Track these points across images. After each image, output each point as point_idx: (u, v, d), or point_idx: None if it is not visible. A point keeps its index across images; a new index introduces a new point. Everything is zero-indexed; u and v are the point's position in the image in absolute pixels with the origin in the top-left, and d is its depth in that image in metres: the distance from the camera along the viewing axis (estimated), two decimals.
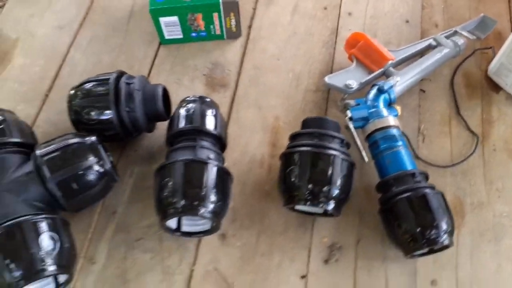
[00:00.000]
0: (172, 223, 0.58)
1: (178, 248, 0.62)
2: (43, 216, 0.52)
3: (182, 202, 0.53)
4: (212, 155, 0.59)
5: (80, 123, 0.62)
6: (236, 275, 0.60)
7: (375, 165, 0.63)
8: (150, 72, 0.77)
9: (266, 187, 0.66)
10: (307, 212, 0.62)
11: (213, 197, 0.54)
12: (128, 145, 0.69)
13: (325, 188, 0.55)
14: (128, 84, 0.62)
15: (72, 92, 0.62)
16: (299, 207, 0.61)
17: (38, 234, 0.50)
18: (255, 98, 0.74)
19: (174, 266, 0.60)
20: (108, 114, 0.60)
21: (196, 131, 0.60)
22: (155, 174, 0.58)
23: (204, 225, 0.59)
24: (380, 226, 0.61)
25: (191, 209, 0.54)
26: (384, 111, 0.65)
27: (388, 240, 0.60)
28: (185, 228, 0.59)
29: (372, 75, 0.70)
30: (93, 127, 0.61)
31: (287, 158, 0.59)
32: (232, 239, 0.62)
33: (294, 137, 0.62)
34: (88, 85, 0.62)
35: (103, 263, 0.61)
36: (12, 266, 0.48)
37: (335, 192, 0.56)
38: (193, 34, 0.77)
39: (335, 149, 0.58)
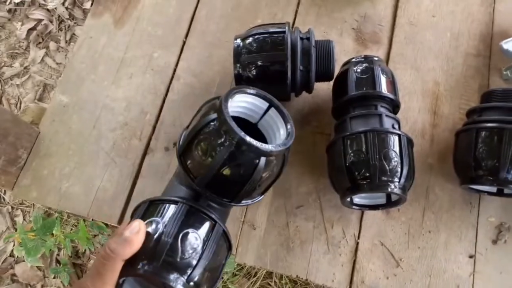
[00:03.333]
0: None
1: (340, 219, 0.59)
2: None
3: (373, 178, 0.49)
4: (396, 124, 0.54)
5: (246, 79, 0.56)
6: (403, 250, 0.57)
7: None
8: (294, 22, 0.69)
9: (429, 160, 0.62)
10: (479, 190, 0.59)
11: (403, 171, 0.50)
12: None
13: None
14: (303, 39, 0.55)
15: (239, 43, 0.55)
16: (479, 186, 0.57)
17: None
18: (412, 58, 0.67)
19: (338, 237, 0.58)
20: (281, 73, 0.54)
21: (377, 97, 0.54)
22: (336, 142, 0.53)
23: (379, 198, 0.55)
24: None
25: (382, 186, 0.50)
26: None
27: None
28: (356, 200, 0.56)
29: None
30: (260, 85, 0.55)
31: (476, 134, 0.54)
32: (396, 213, 0.59)
33: (478, 111, 0.56)
34: (259, 37, 0.55)
35: (265, 228, 0.58)
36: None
37: None
38: None
39: None
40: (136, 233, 0.37)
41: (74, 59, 0.67)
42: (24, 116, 0.63)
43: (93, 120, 0.64)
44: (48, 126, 0.65)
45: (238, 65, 0.55)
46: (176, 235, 0.39)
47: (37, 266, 1.05)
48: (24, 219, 1.20)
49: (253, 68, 0.54)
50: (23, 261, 1.08)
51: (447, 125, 0.63)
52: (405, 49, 0.67)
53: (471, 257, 0.57)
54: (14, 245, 1.12)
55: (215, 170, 0.42)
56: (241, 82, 0.56)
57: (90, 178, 0.61)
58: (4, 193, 1.21)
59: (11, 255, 1.12)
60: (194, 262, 0.39)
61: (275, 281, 1.11)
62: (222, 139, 0.42)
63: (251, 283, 1.10)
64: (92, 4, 1.39)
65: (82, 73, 0.67)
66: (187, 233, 0.40)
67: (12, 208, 1.21)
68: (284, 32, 0.54)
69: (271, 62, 0.54)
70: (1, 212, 1.19)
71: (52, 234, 0.80)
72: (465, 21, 0.69)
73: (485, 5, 0.71)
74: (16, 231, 1.18)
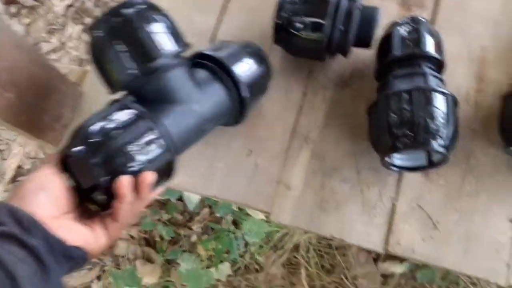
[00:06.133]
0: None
1: (377, 181, 0.58)
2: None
3: (416, 135, 0.49)
4: (441, 84, 0.53)
5: (284, 31, 0.56)
6: (441, 214, 0.57)
7: None
8: None
9: (473, 126, 0.60)
10: None
11: (448, 130, 0.49)
12: (316, 66, 0.64)
13: None
14: (350, 0, 0.54)
15: None
16: None
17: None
18: (459, 23, 0.65)
19: (374, 199, 0.58)
20: (319, 29, 0.54)
21: (423, 57, 0.53)
22: (379, 101, 0.52)
23: (420, 160, 0.55)
24: None
25: (425, 143, 0.49)
26: None
27: None
28: (396, 161, 0.55)
29: None
30: (297, 38, 0.55)
31: None
32: (435, 176, 0.58)
33: None
34: None
35: (301, 189, 0.59)
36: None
37: None
38: None
39: None
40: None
41: None
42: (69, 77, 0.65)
43: None
44: (90, 87, 0.67)
45: (280, 14, 0.55)
46: None
47: None
48: None
49: (295, 20, 0.54)
50: None
51: (493, 91, 0.61)
52: (452, 14, 0.65)
53: (511, 221, 0.56)
54: None
55: None
56: (281, 33, 0.56)
57: None
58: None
59: None
60: None
61: (302, 255, 1.12)
62: None
63: (278, 255, 1.12)
64: None
65: None
66: None
67: None
68: None
69: (312, 16, 0.54)
70: None
71: None
72: None
73: None
74: None
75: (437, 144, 0.49)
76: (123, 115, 0.44)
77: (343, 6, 0.53)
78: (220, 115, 0.53)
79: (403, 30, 0.55)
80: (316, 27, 0.54)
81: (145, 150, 0.43)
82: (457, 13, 0.65)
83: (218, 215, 1.05)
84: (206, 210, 1.16)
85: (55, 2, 1.44)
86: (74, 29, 1.43)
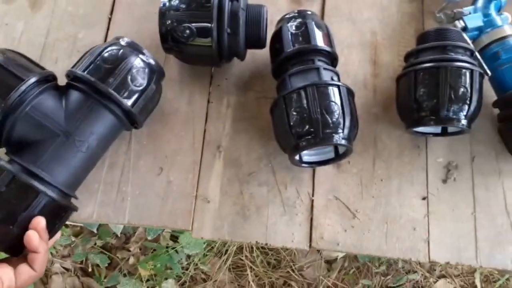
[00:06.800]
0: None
1: (293, 179, 0.58)
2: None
3: (317, 132, 0.49)
4: (335, 76, 0.53)
5: (171, 40, 0.53)
6: (358, 202, 0.58)
7: (490, 80, 0.60)
8: None
9: (373, 110, 0.62)
10: (424, 133, 0.59)
11: (346, 122, 0.50)
12: (216, 73, 0.62)
13: (464, 106, 0.52)
14: (232, 1, 0.53)
15: (166, 1, 0.53)
16: (424, 128, 0.57)
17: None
18: (347, 10, 0.66)
19: (293, 198, 0.57)
20: (206, 34, 0.52)
21: (314, 51, 0.53)
22: (278, 102, 0.52)
23: (328, 153, 0.55)
24: (494, 141, 0.60)
25: (326, 139, 0.49)
26: (498, 20, 0.60)
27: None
28: (305, 158, 0.55)
29: None
30: (185, 46, 0.53)
31: (414, 76, 0.54)
32: (347, 166, 0.59)
33: (414, 53, 0.57)
34: None
35: (219, 200, 0.57)
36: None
37: (472, 108, 0.52)
38: None
39: (468, 62, 0.53)
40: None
41: None
42: None
43: None
44: None
45: (164, 23, 0.52)
46: None
47: None
48: None
49: (179, 28, 0.52)
50: None
51: (388, 74, 0.63)
52: (339, 2, 0.66)
53: (424, 199, 0.59)
54: None
55: None
56: (167, 43, 0.54)
57: None
58: None
59: None
60: None
61: (246, 255, 1.11)
62: None
63: (223, 261, 1.10)
64: None
65: None
66: None
67: None
68: None
69: (196, 21, 0.52)
70: None
71: None
72: None
73: None
74: None
75: (338, 137, 0.49)
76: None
77: (226, 8, 0.52)
78: (108, 136, 0.51)
79: (291, 26, 0.55)
80: (203, 33, 0.52)
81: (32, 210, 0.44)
82: (345, 1, 0.66)
83: (149, 237, 1.01)
84: (141, 229, 1.11)
85: None
86: None
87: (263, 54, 0.61)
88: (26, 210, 0.42)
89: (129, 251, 1.10)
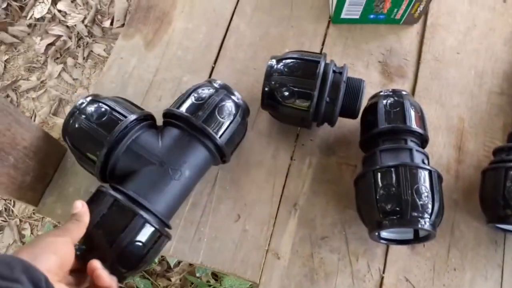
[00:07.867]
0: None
1: (365, 252, 0.58)
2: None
3: (404, 213, 0.49)
4: (425, 159, 0.54)
5: (272, 98, 0.57)
6: (428, 287, 0.57)
7: None
8: (320, 52, 0.70)
9: (454, 196, 0.62)
10: (505, 229, 0.58)
11: (434, 207, 0.50)
12: (303, 132, 0.65)
13: None
14: (335, 72, 0.56)
15: (274, 64, 0.57)
16: (507, 226, 0.57)
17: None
18: (437, 93, 0.68)
19: (363, 271, 0.57)
20: (307, 100, 0.55)
21: (407, 131, 0.55)
22: (366, 175, 0.53)
23: (407, 233, 0.55)
24: None
25: (413, 222, 0.49)
26: None
27: None
28: (383, 234, 0.55)
29: None
30: (284, 107, 0.57)
31: (504, 173, 0.54)
32: (421, 249, 0.59)
33: (506, 150, 0.57)
34: (293, 62, 0.56)
35: (289, 258, 0.58)
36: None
37: None
38: (371, 16, 0.70)
39: None
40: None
41: (104, 78, 0.68)
42: (52, 133, 0.63)
43: None
44: None
45: (268, 83, 0.56)
46: None
47: None
48: (32, 233, 1.19)
49: (282, 89, 0.56)
50: None
51: (472, 162, 0.63)
52: (430, 84, 0.68)
53: None
54: None
55: None
56: (268, 100, 0.57)
57: None
58: (13, 206, 1.21)
59: None
60: None
61: None
62: None
63: None
64: (112, 23, 1.43)
65: (111, 92, 0.67)
66: None
67: (20, 221, 1.20)
68: (318, 61, 0.55)
69: (299, 87, 0.55)
70: (9, 225, 1.18)
71: None
72: (489, 59, 0.71)
73: (508, 44, 0.72)
74: (23, 244, 1.17)
75: (424, 222, 0.49)
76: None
77: (329, 79, 0.55)
78: (198, 166, 0.54)
79: (386, 103, 0.57)
80: (303, 97, 0.55)
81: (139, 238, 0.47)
82: (436, 84, 0.68)
83: (197, 274, 1.02)
84: (185, 262, 1.13)
85: (36, 40, 1.42)
86: (54, 68, 1.41)
87: (349, 122, 0.63)
88: (124, 231, 0.46)
89: (170, 280, 1.11)
